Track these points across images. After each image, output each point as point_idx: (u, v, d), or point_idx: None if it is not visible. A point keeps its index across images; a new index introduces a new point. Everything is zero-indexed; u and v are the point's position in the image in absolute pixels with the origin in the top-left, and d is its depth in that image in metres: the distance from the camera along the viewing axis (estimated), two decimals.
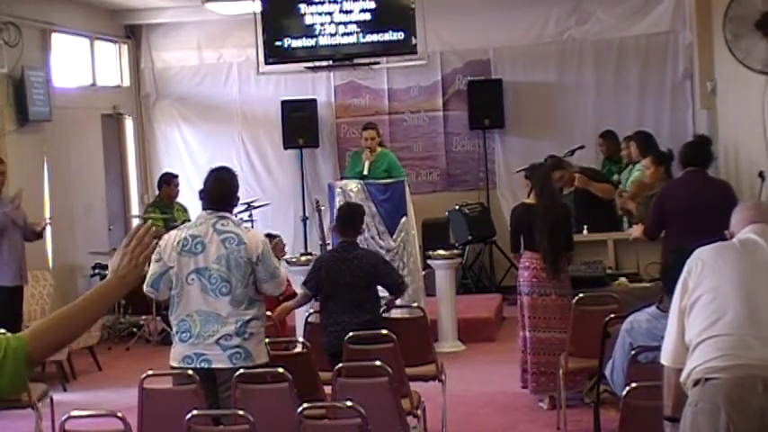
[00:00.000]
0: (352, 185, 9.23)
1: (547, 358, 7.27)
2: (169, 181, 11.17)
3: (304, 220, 12.45)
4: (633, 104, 12.09)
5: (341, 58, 11.08)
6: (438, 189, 12.54)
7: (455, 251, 10.06)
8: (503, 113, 12.17)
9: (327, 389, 5.78)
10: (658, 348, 4.08)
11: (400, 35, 10.87)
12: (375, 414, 4.78)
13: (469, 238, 11.54)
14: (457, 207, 11.60)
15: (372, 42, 10.95)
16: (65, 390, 8.79)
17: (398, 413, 5.42)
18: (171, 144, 13.02)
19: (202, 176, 5.84)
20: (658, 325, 4.75)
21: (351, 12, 10.92)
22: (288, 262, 9.15)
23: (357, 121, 11.97)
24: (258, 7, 11.05)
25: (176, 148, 12.99)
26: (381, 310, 6.69)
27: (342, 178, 10.41)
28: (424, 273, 9.59)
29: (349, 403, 4.56)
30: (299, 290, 7.13)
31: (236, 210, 6.06)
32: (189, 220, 8.20)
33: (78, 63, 11.68)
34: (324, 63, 11.24)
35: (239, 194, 5.80)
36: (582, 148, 11.22)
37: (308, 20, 10.97)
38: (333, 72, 12.16)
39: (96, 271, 10.73)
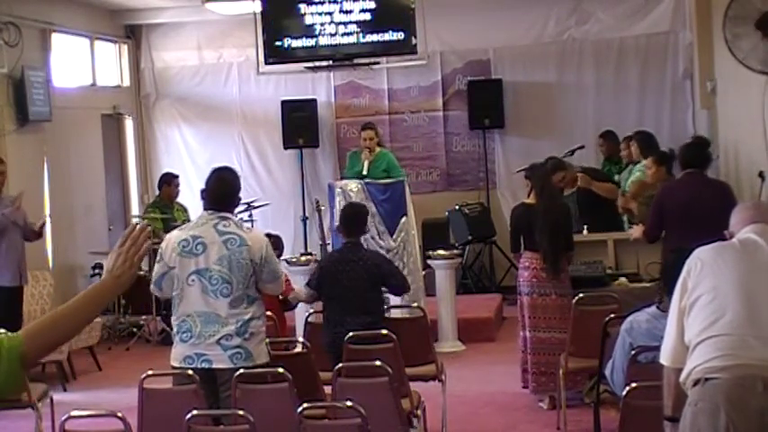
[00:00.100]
0: (353, 185, 9.23)
1: (547, 358, 7.27)
2: (169, 181, 11.16)
3: (304, 220, 12.45)
4: (633, 104, 12.09)
5: (341, 58, 11.08)
6: (438, 189, 12.53)
7: (455, 251, 10.05)
8: (503, 113, 12.17)
9: (327, 389, 5.78)
10: (658, 348, 4.07)
11: (400, 35, 10.87)
12: (375, 414, 4.78)
13: (469, 238, 11.53)
14: (457, 207, 11.59)
15: (372, 42, 10.95)
16: (65, 390, 8.78)
17: (398, 413, 5.42)
18: (171, 144, 13.02)
19: (202, 176, 5.83)
20: (658, 325, 4.75)
21: (351, 12, 10.92)
22: (288, 262, 9.14)
23: (357, 121, 11.95)
24: (258, 7, 11.05)
25: (176, 148, 12.99)
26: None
27: (342, 178, 10.41)
28: (424, 273, 9.59)
29: (349, 403, 4.56)
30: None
31: (236, 210, 6.05)
32: (189, 221, 8.20)
33: (78, 63, 11.68)
34: (324, 63, 11.24)
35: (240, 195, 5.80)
36: (582, 148, 11.22)
37: (308, 20, 10.97)
38: (333, 72, 12.16)
39: (96, 271, 10.73)
